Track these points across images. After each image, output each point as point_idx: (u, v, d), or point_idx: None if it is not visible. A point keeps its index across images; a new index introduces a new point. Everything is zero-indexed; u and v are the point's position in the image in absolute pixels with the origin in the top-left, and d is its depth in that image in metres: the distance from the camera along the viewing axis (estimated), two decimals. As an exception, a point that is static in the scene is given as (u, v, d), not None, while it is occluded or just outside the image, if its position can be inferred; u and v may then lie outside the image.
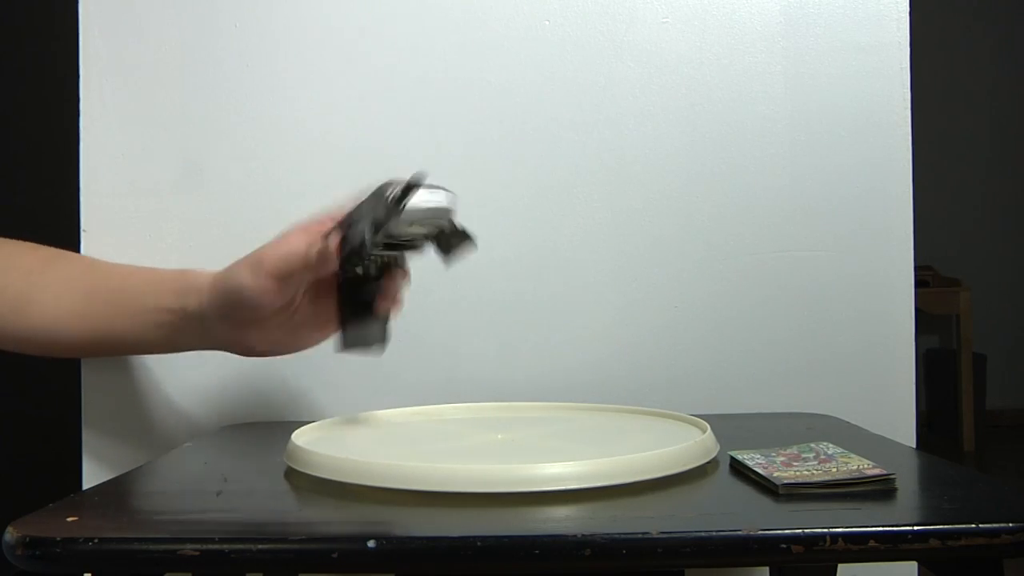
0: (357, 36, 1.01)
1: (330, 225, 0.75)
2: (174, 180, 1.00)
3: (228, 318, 0.78)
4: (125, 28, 1.00)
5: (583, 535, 0.51)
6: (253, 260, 0.76)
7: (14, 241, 0.90)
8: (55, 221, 1.15)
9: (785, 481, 0.60)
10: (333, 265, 0.74)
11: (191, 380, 0.99)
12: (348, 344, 0.79)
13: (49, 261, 0.90)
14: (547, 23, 1.01)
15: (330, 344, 0.82)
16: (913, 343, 1.00)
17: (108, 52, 1.00)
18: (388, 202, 0.69)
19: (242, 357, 0.84)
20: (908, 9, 1.00)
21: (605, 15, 1.01)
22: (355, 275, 0.76)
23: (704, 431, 0.71)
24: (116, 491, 0.68)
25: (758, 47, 1.01)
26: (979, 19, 4.32)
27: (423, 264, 0.80)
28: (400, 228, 0.71)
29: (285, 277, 0.74)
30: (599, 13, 1.01)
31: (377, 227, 0.70)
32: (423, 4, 1.01)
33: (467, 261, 0.80)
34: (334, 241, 0.73)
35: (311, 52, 1.01)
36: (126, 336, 0.85)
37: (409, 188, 0.69)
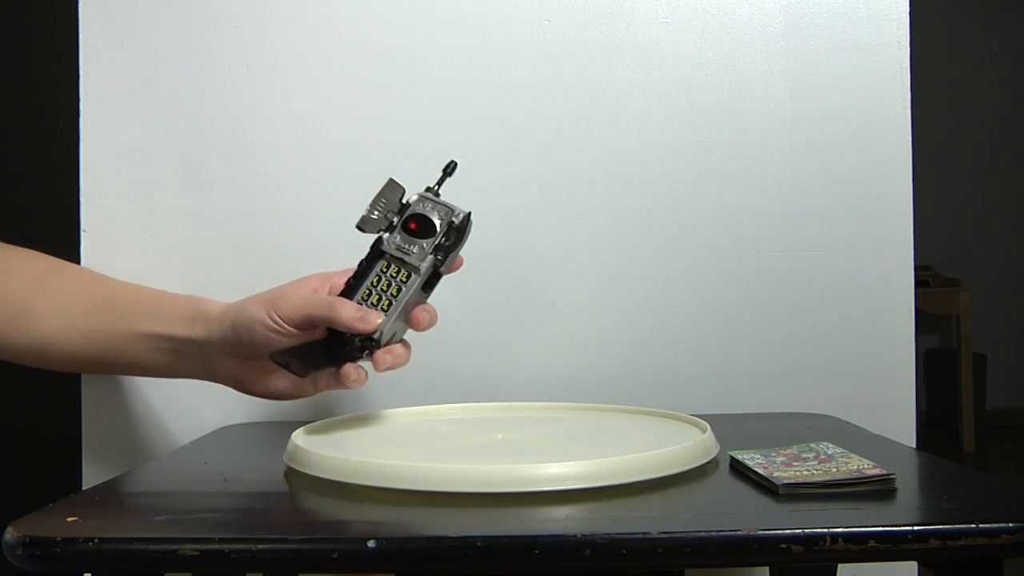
0: (357, 36, 1.01)
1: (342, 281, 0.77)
2: (174, 180, 1.00)
3: (234, 353, 0.78)
4: (125, 28, 1.00)
5: (583, 535, 0.51)
6: (269, 298, 0.76)
7: (21, 248, 0.89)
8: (55, 221, 1.15)
9: (785, 481, 0.60)
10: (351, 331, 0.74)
11: (191, 380, 0.99)
12: (280, 361, 0.77)
13: (55, 271, 0.89)
14: (547, 23, 1.01)
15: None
16: (913, 343, 1.00)
17: (108, 52, 1.00)
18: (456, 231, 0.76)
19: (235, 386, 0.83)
20: (908, 9, 1.00)
21: (605, 15, 1.01)
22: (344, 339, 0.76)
23: (704, 431, 0.71)
24: (116, 491, 0.68)
25: (758, 47, 1.01)
26: (979, 19, 4.32)
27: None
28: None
29: (299, 322, 0.74)
30: (599, 13, 1.01)
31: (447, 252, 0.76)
32: (423, 5, 1.01)
33: (468, 260, 0.80)
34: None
35: (311, 52, 1.01)
36: (125, 358, 0.83)
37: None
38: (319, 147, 1.01)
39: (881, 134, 1.00)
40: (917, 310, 1.02)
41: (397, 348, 0.76)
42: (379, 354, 0.75)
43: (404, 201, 0.77)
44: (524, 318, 1.00)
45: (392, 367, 0.75)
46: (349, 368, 0.75)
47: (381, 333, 0.74)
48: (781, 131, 1.00)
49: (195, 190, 1.00)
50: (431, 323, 0.77)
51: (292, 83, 1.01)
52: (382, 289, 0.75)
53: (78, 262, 0.99)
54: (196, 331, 0.79)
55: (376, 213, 0.76)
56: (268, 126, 1.00)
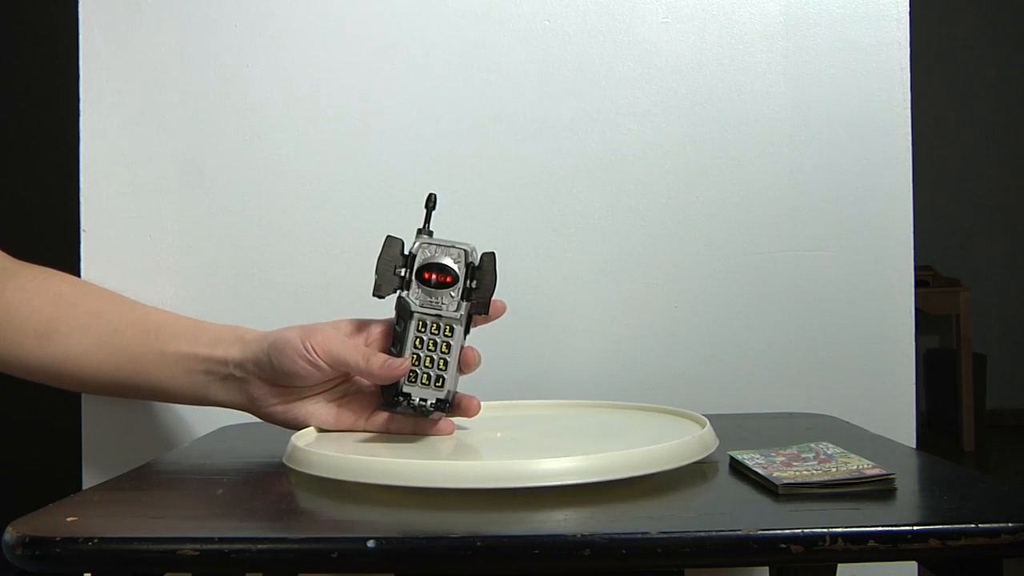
0: (357, 36, 1.01)
1: (381, 334, 0.76)
2: (174, 180, 1.00)
3: (266, 379, 0.77)
4: (125, 28, 1.00)
5: (583, 535, 0.51)
6: (308, 328, 0.76)
7: (43, 268, 0.88)
8: (55, 221, 1.15)
9: (785, 481, 0.60)
10: (382, 381, 0.75)
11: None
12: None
13: (79, 292, 0.88)
14: (547, 23, 1.01)
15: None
16: (913, 343, 1.00)
17: (108, 52, 1.00)
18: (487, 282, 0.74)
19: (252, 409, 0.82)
20: (908, 9, 1.00)
21: (605, 15, 1.01)
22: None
23: (703, 426, 0.71)
24: (116, 491, 0.68)
25: (758, 47, 1.01)
26: (979, 19, 4.32)
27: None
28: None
29: (330, 359, 0.74)
30: (599, 13, 1.01)
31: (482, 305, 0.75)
32: (423, 4, 1.01)
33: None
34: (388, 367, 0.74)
35: (311, 52, 1.01)
36: (151, 380, 0.82)
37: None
38: (319, 146, 1.01)
39: (881, 134, 1.00)
40: (917, 310, 1.02)
41: (467, 401, 0.78)
42: (456, 413, 0.78)
43: (406, 252, 0.75)
44: (524, 317, 1.00)
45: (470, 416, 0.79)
46: (444, 426, 0.77)
47: (450, 392, 0.75)
48: (781, 130, 1.00)
49: (195, 190, 1.00)
50: (479, 363, 0.77)
51: (292, 83, 1.01)
52: (430, 350, 0.75)
53: (78, 262, 0.99)
54: (233, 352, 0.78)
55: (386, 275, 0.74)
56: (268, 126, 1.00)
